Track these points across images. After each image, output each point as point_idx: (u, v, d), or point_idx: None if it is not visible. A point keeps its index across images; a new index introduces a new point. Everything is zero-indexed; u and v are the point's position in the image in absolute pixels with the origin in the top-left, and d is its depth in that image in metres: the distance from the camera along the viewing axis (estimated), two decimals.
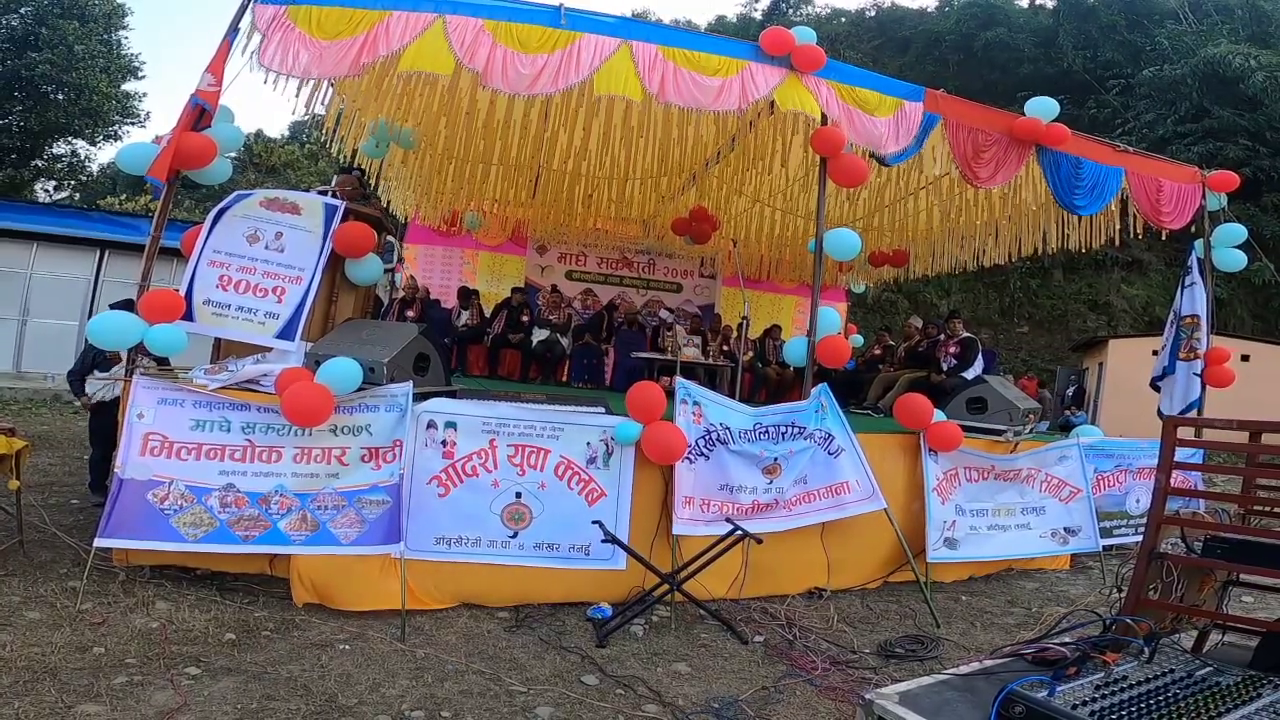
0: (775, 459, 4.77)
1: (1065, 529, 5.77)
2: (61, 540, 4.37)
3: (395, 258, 9.79)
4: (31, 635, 3.21)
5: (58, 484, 5.93)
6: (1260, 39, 24.99)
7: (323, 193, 5.31)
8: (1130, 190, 6.48)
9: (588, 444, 4.40)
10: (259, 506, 3.89)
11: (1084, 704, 1.56)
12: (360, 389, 4.16)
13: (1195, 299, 7.18)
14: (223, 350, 4.90)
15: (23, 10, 19.93)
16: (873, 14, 39.45)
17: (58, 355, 12.91)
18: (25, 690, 2.75)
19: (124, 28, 22.69)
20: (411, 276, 10.61)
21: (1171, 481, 2.22)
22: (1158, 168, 6.78)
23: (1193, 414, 6.93)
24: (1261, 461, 2.38)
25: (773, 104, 5.25)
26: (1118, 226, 6.93)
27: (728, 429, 4.69)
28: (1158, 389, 7.51)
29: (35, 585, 3.74)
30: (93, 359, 5.63)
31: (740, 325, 8.02)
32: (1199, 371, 7.06)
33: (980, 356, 8.01)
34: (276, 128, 45.78)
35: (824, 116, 5.28)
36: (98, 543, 3.68)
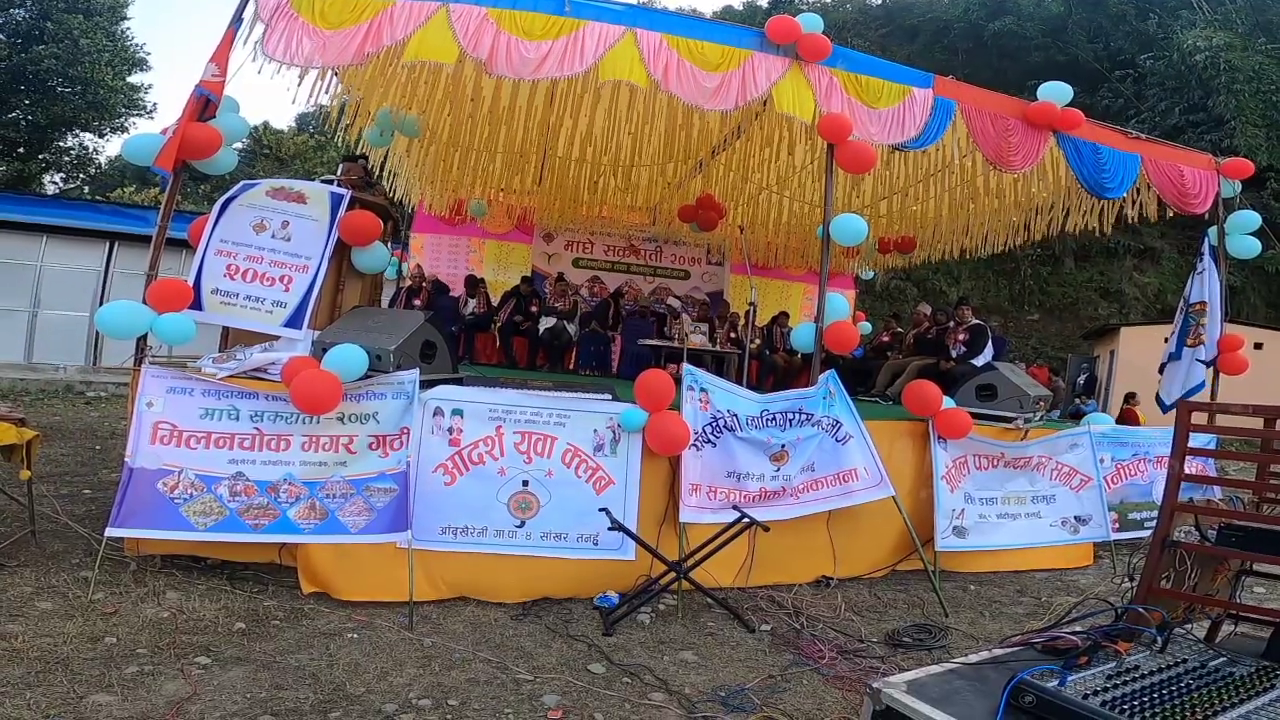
0: (783, 446, 4.75)
1: (1076, 518, 5.73)
2: (73, 530, 4.40)
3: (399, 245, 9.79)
4: (43, 625, 3.23)
5: (69, 474, 5.96)
6: (1264, 28, 24.70)
7: (328, 181, 5.30)
8: (1150, 176, 6.41)
9: (595, 431, 4.39)
10: (268, 495, 3.90)
11: (1095, 694, 1.55)
12: (367, 376, 4.17)
13: (1204, 286, 7.13)
14: (230, 339, 4.91)
15: (28, 4, 19.94)
16: (880, 2, 39.06)
17: (68, 347, 13.03)
18: (37, 680, 2.77)
19: (125, 19, 22.68)
20: (418, 265, 10.62)
21: (1186, 468, 2.19)
22: (1172, 154, 6.71)
23: (1195, 399, 6.89)
24: (1277, 448, 2.35)
25: (766, 103, 5.20)
26: (1133, 214, 6.87)
27: (735, 416, 4.68)
28: None
29: (47, 575, 3.76)
30: None
31: (748, 312, 8.01)
32: (1203, 358, 7.02)
33: (990, 344, 7.96)
34: (284, 119, 45.79)
35: (817, 115, 5.21)
36: (109, 532, 3.70)
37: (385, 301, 8.20)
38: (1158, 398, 7.40)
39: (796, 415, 4.85)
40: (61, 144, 24.19)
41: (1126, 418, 7.32)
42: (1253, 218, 6.99)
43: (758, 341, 9.59)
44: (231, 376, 4.14)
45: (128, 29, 22.90)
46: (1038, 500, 5.64)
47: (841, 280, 12.07)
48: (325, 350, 4.11)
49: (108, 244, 13.62)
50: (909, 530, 4.93)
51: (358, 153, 6.88)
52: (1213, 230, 7.13)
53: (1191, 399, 6.88)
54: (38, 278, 13.15)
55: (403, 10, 4.58)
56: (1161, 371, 7.52)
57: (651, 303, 11.57)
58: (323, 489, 3.95)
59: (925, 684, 1.70)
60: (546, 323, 9.44)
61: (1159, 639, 1.88)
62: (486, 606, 4.03)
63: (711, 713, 3.04)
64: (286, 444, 4.02)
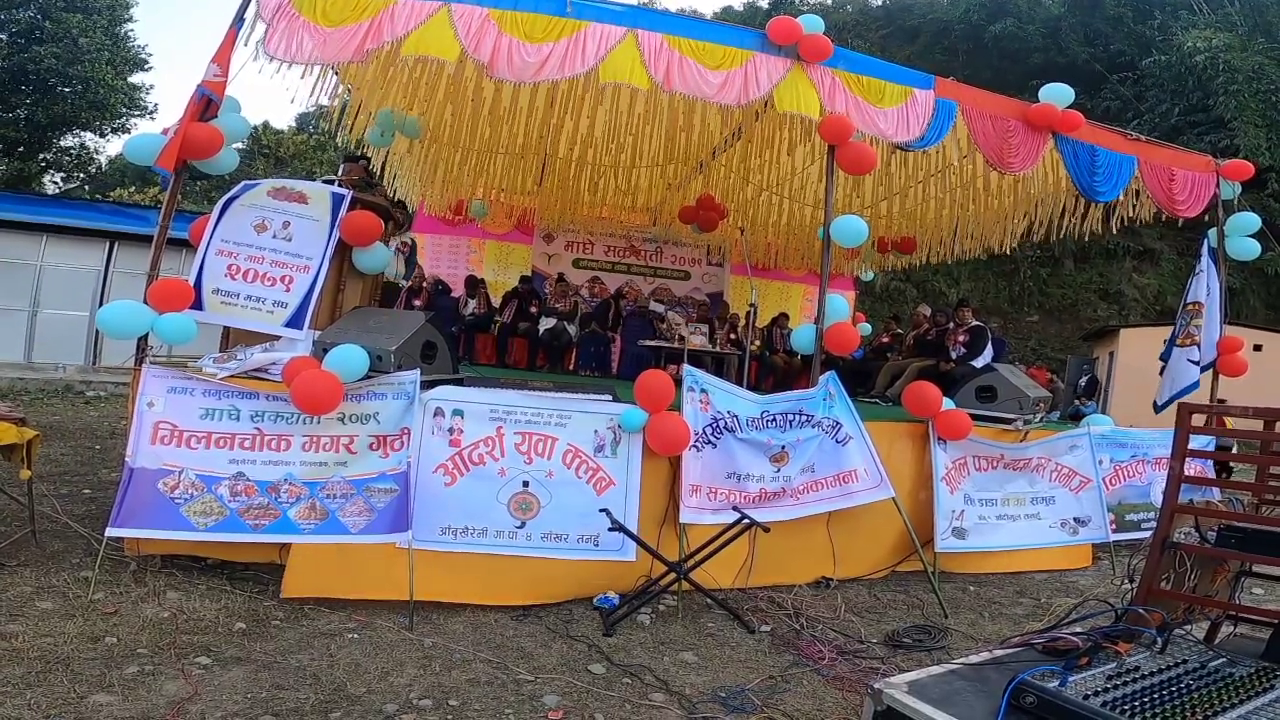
0: (783, 447, 4.76)
1: (1075, 519, 5.74)
2: (73, 530, 4.40)
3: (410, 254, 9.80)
4: (44, 625, 3.23)
5: (69, 474, 5.96)
6: (1263, 29, 24.72)
7: (329, 182, 5.30)
8: (1143, 178, 6.43)
9: (595, 432, 4.39)
10: (268, 495, 3.90)
11: (1096, 694, 1.55)
12: (368, 377, 4.17)
13: (1201, 287, 7.13)
14: (231, 339, 4.91)
15: (29, 4, 19.96)
16: (880, 3, 39.09)
17: (68, 346, 13.03)
18: (38, 680, 2.77)
19: (128, 20, 22.71)
20: (419, 265, 10.62)
21: (1186, 469, 2.20)
22: (1170, 156, 6.72)
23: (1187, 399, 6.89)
24: (1276, 449, 2.36)
25: (768, 103, 5.21)
26: (1130, 215, 6.88)
27: (735, 417, 4.68)
28: None
29: (47, 575, 3.76)
30: None
31: (748, 313, 8.02)
32: (1195, 358, 7.01)
33: (990, 345, 7.96)
34: (283, 119, 45.88)
35: (823, 113, 5.22)
36: (109, 532, 3.70)
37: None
38: (1155, 403, 7.40)
39: (796, 416, 4.86)
40: (62, 143, 24.19)
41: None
42: (1252, 220, 6.99)
43: (758, 343, 9.59)
44: (232, 376, 4.14)
45: (130, 31, 22.92)
46: (1037, 501, 5.65)
47: (841, 281, 12.08)
48: (326, 350, 4.11)
49: (108, 244, 13.62)
50: (909, 531, 4.93)
51: (358, 153, 6.88)
52: (1212, 232, 7.13)
53: (1189, 401, 6.88)
54: (38, 277, 13.14)
55: (404, 8, 4.58)
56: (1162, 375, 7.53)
57: (647, 302, 11.58)
58: (323, 489, 3.95)
59: (926, 685, 1.70)
60: (547, 323, 9.45)
61: (1159, 640, 1.88)
62: (487, 607, 4.02)
63: (712, 713, 3.04)
64: (287, 444, 4.02)
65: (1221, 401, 7.00)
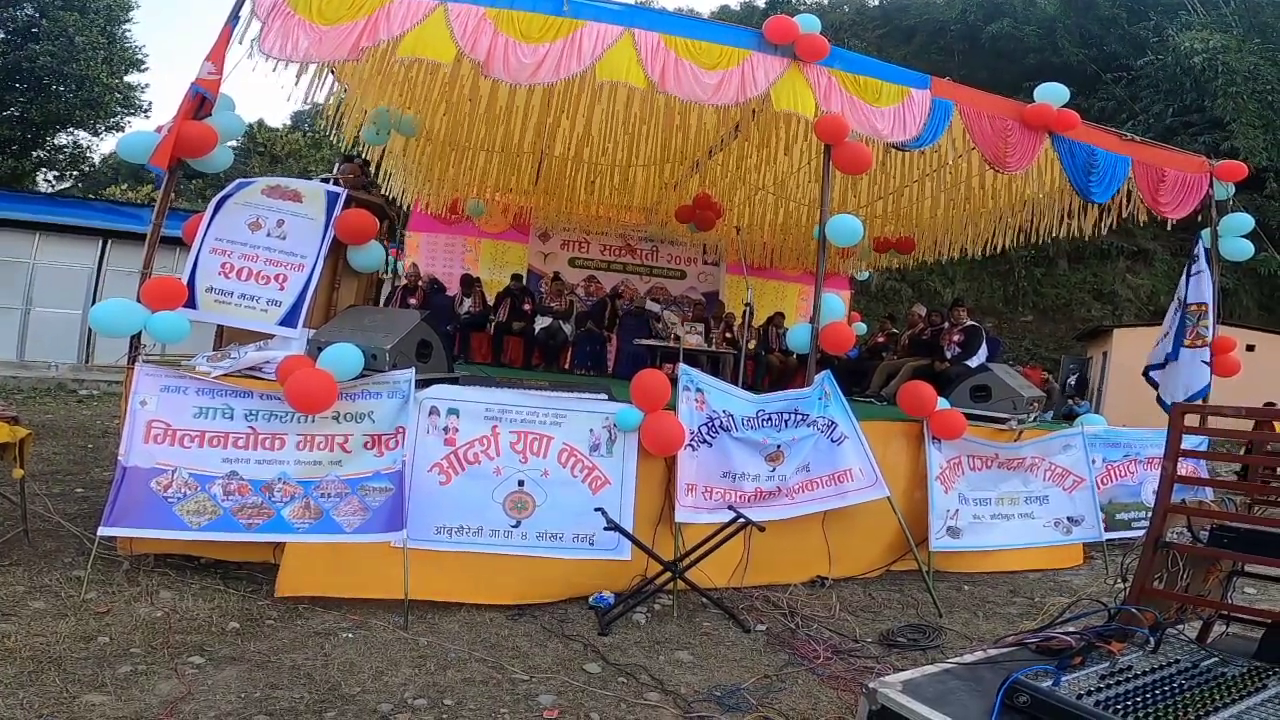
0: (778, 446, 4.76)
1: (1069, 518, 5.76)
2: (66, 529, 4.38)
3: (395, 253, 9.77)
4: (36, 625, 3.22)
5: (62, 473, 5.94)
6: (1259, 30, 24.78)
7: (325, 180, 5.29)
8: (1134, 179, 6.44)
9: (591, 430, 4.39)
10: (262, 494, 3.89)
11: (1089, 693, 1.55)
12: (363, 375, 4.16)
13: (1202, 287, 7.12)
14: (225, 337, 4.89)
15: (28, 2, 19.88)
16: (877, 3, 39.14)
17: (61, 344, 12.99)
18: (30, 680, 2.76)
19: (127, 21, 22.62)
20: (414, 264, 10.60)
21: (1179, 469, 2.20)
22: (1164, 157, 6.72)
23: (1200, 402, 6.89)
24: (1269, 450, 2.37)
25: (764, 102, 5.21)
26: (1123, 215, 6.90)
27: (730, 416, 4.68)
28: (1152, 382, 7.44)
29: (40, 575, 3.75)
30: None
31: (744, 312, 8.02)
32: (1207, 359, 7.00)
33: (984, 344, 7.97)
34: (278, 117, 45.73)
35: (818, 113, 5.22)
36: (102, 531, 3.68)
37: (382, 300, 8.19)
38: (1158, 399, 7.39)
39: (792, 416, 4.86)
40: (56, 141, 24.08)
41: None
42: (1246, 220, 7.01)
43: (753, 342, 9.60)
44: (226, 375, 4.13)
45: (127, 31, 22.82)
46: (1031, 501, 5.67)
47: (837, 281, 12.09)
48: (320, 349, 4.10)
49: (101, 242, 13.59)
50: (903, 530, 4.94)
51: (354, 152, 6.87)
52: (1206, 232, 7.15)
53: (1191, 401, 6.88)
54: (31, 275, 13.10)
55: (401, 6, 4.56)
56: (1146, 375, 7.51)
57: (643, 301, 11.58)
58: (317, 488, 3.94)
59: (920, 684, 1.70)
60: (542, 322, 9.44)
61: (1152, 639, 1.89)
62: (482, 606, 4.02)
63: (707, 712, 3.05)
64: (281, 443, 4.01)
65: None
